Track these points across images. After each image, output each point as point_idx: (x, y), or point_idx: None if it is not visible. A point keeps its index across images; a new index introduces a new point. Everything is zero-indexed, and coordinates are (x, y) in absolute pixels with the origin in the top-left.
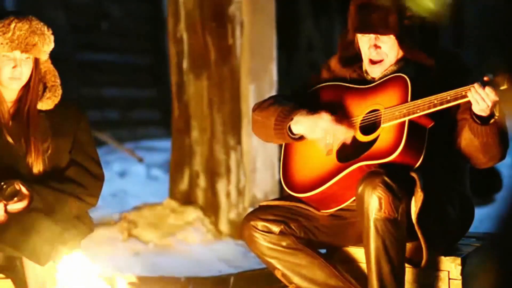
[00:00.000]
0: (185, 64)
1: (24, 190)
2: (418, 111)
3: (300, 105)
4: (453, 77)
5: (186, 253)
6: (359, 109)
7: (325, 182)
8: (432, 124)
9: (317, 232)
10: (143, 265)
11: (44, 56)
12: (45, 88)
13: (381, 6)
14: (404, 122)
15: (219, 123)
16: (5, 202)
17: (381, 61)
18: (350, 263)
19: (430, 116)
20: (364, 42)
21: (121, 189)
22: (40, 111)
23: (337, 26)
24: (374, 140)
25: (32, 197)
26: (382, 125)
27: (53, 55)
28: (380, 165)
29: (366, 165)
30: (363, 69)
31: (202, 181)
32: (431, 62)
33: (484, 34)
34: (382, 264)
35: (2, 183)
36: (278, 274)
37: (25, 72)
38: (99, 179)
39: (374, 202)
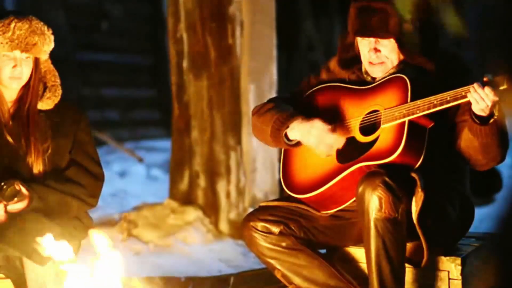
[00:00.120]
0: (185, 64)
1: (24, 190)
2: (418, 111)
3: (300, 106)
4: (453, 77)
5: (186, 253)
6: (359, 110)
7: (325, 183)
8: (432, 124)
9: (317, 233)
10: (143, 265)
11: (44, 56)
12: (45, 88)
13: (381, 9)
14: (404, 122)
15: (219, 123)
16: (5, 203)
17: (382, 63)
18: (350, 263)
19: (430, 116)
20: (364, 45)
21: (121, 189)
22: (40, 111)
23: (337, 26)
24: (374, 141)
25: (32, 197)
26: (382, 126)
27: (53, 55)
28: (380, 165)
29: (366, 166)
30: (363, 70)
31: (202, 181)
32: (431, 66)
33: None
34: (382, 264)
35: (2, 183)
36: (278, 275)
37: (25, 72)
38: (99, 179)
39: (374, 202)
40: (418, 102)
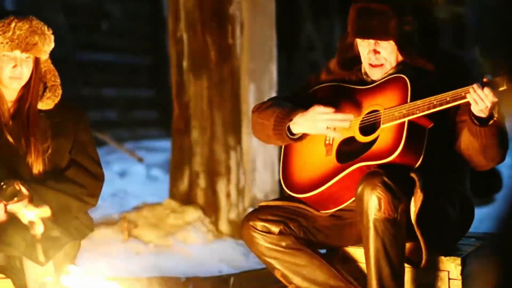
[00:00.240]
0: (185, 64)
1: (24, 190)
2: (418, 111)
3: (300, 105)
4: (453, 78)
5: (186, 253)
6: (359, 110)
7: (325, 182)
8: (432, 124)
9: (317, 233)
10: (143, 265)
11: (44, 56)
12: (45, 88)
13: (381, 11)
14: (404, 122)
15: (219, 123)
16: (5, 202)
17: (381, 65)
18: (350, 263)
19: (429, 116)
20: (364, 46)
21: (121, 189)
22: (40, 111)
23: (337, 27)
24: (374, 141)
25: (32, 197)
26: (381, 126)
27: (53, 55)
28: (380, 165)
29: (366, 166)
30: (362, 71)
31: (202, 181)
32: (431, 67)
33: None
34: (381, 264)
35: (2, 183)
36: (277, 274)
37: (25, 72)
38: (99, 179)
39: (374, 202)
40: (418, 102)
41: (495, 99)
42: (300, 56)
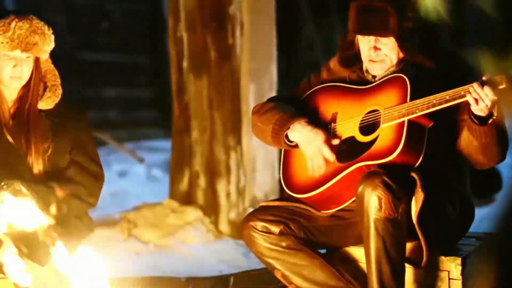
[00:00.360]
0: (185, 64)
1: (24, 190)
2: (417, 111)
3: (300, 105)
4: (453, 77)
5: (186, 253)
6: (359, 110)
7: (325, 182)
8: (432, 124)
9: (317, 233)
10: (143, 265)
11: (44, 56)
12: (45, 87)
13: (381, 8)
14: (404, 122)
15: (219, 123)
16: None
17: (381, 61)
18: (350, 263)
19: (429, 116)
20: (364, 43)
21: (121, 189)
22: (41, 110)
23: (337, 26)
24: (374, 141)
25: (32, 197)
26: (381, 125)
27: (53, 55)
28: (380, 165)
29: (366, 166)
30: (363, 69)
31: (202, 181)
32: (431, 64)
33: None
34: (382, 264)
35: (3, 183)
36: (278, 275)
37: (25, 71)
38: (99, 179)
39: (374, 202)
40: (418, 101)
41: (495, 98)
42: (300, 56)
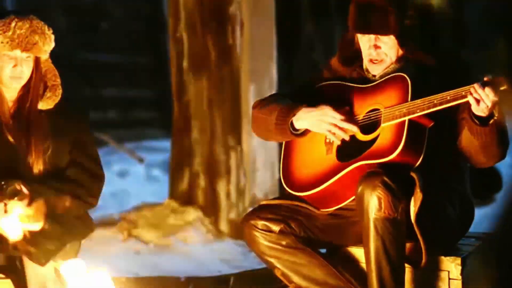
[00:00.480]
0: (185, 64)
1: (24, 190)
2: (418, 110)
3: (301, 103)
4: (453, 77)
5: (186, 253)
6: (360, 108)
7: (325, 180)
8: (432, 124)
9: (317, 231)
10: (143, 265)
11: (44, 55)
12: (45, 87)
13: (381, 6)
14: (404, 121)
15: (219, 123)
16: (5, 202)
17: (381, 61)
18: (350, 263)
19: (430, 116)
20: (364, 42)
21: (121, 189)
22: (41, 110)
23: (337, 26)
24: (374, 139)
25: (32, 197)
26: (382, 125)
27: (53, 55)
28: (380, 164)
29: (366, 164)
30: (364, 67)
31: (202, 181)
32: (432, 61)
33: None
34: (382, 264)
35: (3, 183)
36: (278, 273)
37: (25, 71)
38: (100, 179)
39: (374, 202)
40: (419, 101)
41: (496, 99)
42: (300, 56)
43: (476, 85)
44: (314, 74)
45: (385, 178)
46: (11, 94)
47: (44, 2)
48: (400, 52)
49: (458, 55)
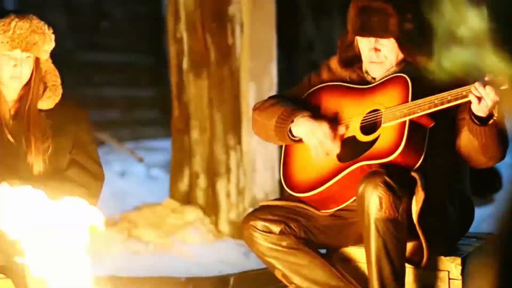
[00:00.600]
0: (185, 64)
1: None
2: (419, 111)
3: (300, 104)
4: (453, 78)
5: (186, 253)
6: (360, 109)
7: (326, 182)
8: (433, 124)
9: (317, 232)
10: (143, 265)
11: (44, 55)
12: (45, 87)
13: (381, 9)
14: (405, 122)
15: (219, 123)
16: None
17: (380, 63)
18: (350, 263)
19: (430, 116)
20: (364, 44)
21: (121, 189)
22: (41, 110)
23: (337, 26)
24: (375, 140)
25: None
26: (382, 125)
27: (53, 55)
28: (381, 165)
29: (367, 165)
30: (363, 69)
31: (202, 181)
32: (432, 64)
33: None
34: (382, 264)
35: (3, 183)
36: (278, 274)
37: (25, 71)
38: (100, 179)
39: (375, 202)
40: (419, 101)
41: (496, 98)
42: (300, 56)
43: (476, 84)
44: (313, 75)
45: (386, 178)
46: (11, 94)
47: (44, 2)
48: (401, 55)
49: (458, 56)
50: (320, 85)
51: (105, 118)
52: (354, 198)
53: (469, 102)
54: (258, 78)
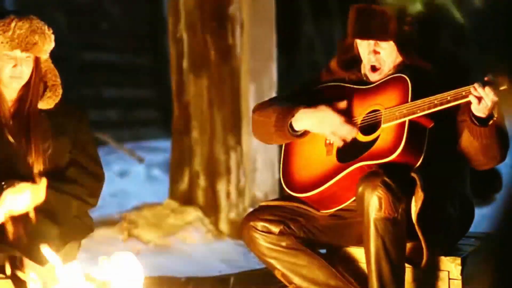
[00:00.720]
0: (185, 64)
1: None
2: (418, 111)
3: (299, 105)
4: (453, 77)
5: (186, 253)
6: (360, 109)
7: (325, 182)
8: (433, 124)
9: (317, 232)
10: (143, 265)
11: (44, 55)
12: (45, 87)
13: (381, 12)
14: (405, 122)
15: (219, 123)
16: None
17: (378, 69)
18: (350, 263)
19: (430, 116)
20: (364, 47)
21: (121, 189)
22: (41, 110)
23: (338, 26)
24: (375, 140)
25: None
26: (382, 125)
27: (53, 55)
28: (380, 165)
29: (366, 165)
30: (362, 72)
31: (202, 181)
32: (431, 67)
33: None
34: (382, 264)
35: (3, 183)
36: (278, 275)
37: (25, 71)
38: (100, 179)
39: (374, 202)
40: (419, 102)
41: (496, 99)
42: (300, 56)
43: (476, 85)
44: (313, 76)
45: (386, 178)
46: (11, 94)
47: (44, 2)
48: (399, 59)
49: (457, 56)
50: (320, 86)
51: (105, 118)
52: (354, 198)
53: (469, 103)
54: (258, 78)
